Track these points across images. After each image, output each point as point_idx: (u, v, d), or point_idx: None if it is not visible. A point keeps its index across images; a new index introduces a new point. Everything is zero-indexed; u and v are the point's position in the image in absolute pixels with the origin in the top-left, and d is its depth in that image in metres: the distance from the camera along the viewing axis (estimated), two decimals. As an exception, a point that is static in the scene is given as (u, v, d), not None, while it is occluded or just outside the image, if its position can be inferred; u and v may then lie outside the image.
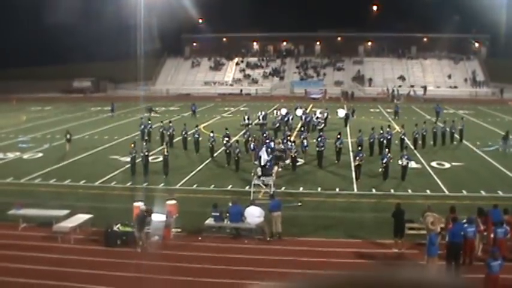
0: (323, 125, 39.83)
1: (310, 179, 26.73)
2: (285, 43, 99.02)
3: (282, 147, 29.22)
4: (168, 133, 35.10)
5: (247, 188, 23.98)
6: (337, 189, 24.61)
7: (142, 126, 37.42)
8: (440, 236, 15.75)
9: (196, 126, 34.80)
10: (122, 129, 43.62)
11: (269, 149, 24.55)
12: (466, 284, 1.33)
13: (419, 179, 26.60)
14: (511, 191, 23.66)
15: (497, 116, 52.90)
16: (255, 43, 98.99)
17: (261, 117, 42.78)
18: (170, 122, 38.19)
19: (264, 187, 22.96)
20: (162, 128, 36.15)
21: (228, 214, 18.63)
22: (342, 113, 45.89)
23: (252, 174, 23.87)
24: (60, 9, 64.23)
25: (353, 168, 27.38)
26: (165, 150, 27.98)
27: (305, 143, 30.77)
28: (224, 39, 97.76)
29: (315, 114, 43.02)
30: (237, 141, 30.80)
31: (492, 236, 16.48)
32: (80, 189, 24.94)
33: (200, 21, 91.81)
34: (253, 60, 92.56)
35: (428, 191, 24.15)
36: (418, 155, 31.88)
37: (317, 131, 37.20)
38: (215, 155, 31.53)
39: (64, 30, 68.79)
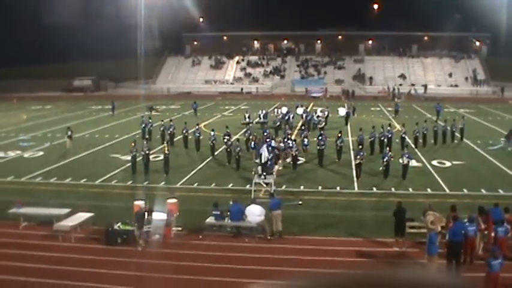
0: (324, 123, 39.81)
1: (310, 178, 26.73)
2: (285, 41, 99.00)
3: (282, 145, 29.21)
4: (169, 132, 35.11)
5: (247, 186, 23.98)
6: (338, 188, 24.61)
7: (143, 125, 37.43)
8: (440, 235, 15.74)
9: (197, 124, 34.78)
10: (122, 127, 43.63)
11: (270, 147, 24.53)
12: (466, 284, 1.32)
13: (420, 177, 26.59)
14: (512, 190, 23.66)
15: (498, 114, 52.86)
16: (255, 42, 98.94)
17: (261, 116, 42.76)
18: (171, 120, 38.20)
19: (264, 186, 22.96)
20: (162, 127, 36.14)
21: (228, 213, 18.64)
22: (342, 111, 45.86)
23: (253, 172, 23.87)
24: (60, 8, 64.22)
25: (354, 167, 27.36)
26: (166, 148, 27.97)
27: (306, 142, 30.78)
28: (225, 37, 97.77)
29: (315, 113, 43.04)
30: (238, 139, 30.77)
31: (493, 234, 16.47)
32: (80, 188, 24.94)
33: (201, 19, 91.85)
34: (253, 58, 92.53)
35: (429, 190, 24.14)
36: (419, 153, 31.87)
37: (318, 129, 37.18)
38: (216, 153, 31.53)
39: (64, 29, 68.88)
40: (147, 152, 27.70)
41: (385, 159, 26.15)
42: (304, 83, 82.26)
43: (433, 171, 27.75)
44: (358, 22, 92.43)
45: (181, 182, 25.89)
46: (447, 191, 24.03)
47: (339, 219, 20.29)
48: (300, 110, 44.84)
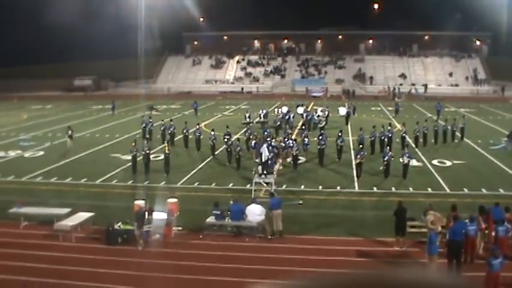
0: (324, 123, 39.83)
1: (311, 177, 26.73)
2: (286, 41, 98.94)
3: (283, 145, 29.21)
4: (169, 131, 35.12)
5: (248, 186, 23.98)
6: (338, 187, 24.61)
7: (144, 125, 37.44)
8: (440, 235, 15.72)
9: (198, 124, 34.78)
10: (123, 127, 43.63)
11: (270, 147, 24.53)
12: (466, 283, 1.32)
13: (421, 177, 26.58)
14: (513, 189, 23.64)
15: (499, 114, 52.85)
16: (256, 41, 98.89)
17: (262, 116, 42.76)
18: (171, 120, 38.19)
19: (265, 185, 22.96)
20: (163, 126, 36.15)
21: (229, 212, 18.64)
22: (343, 111, 45.85)
23: (253, 172, 23.88)
24: (60, 8, 64.20)
25: (354, 166, 27.34)
26: (166, 148, 27.97)
27: (306, 141, 30.78)
28: (225, 37, 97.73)
29: (316, 113, 43.03)
30: (238, 139, 30.76)
31: (493, 234, 16.46)
32: (81, 188, 24.95)
33: (201, 19, 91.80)
34: (254, 58, 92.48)
35: (429, 189, 24.14)
36: (419, 153, 31.86)
37: (318, 129, 37.22)
38: (216, 153, 31.52)
39: (65, 29, 68.78)
40: (147, 151, 27.70)
41: (385, 159, 26.15)
42: (305, 82, 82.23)
43: (433, 171, 27.74)
44: (359, 22, 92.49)
45: (181, 182, 25.89)
46: (448, 190, 24.03)
47: (340, 218, 20.29)
48: (300, 110, 44.83)
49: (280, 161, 28.28)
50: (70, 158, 31.45)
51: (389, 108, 55.08)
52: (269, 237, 18.07)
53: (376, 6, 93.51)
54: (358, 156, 26.48)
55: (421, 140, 34.17)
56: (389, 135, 32.31)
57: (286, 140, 29.82)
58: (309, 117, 41.49)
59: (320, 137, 29.77)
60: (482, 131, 40.62)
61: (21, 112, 55.92)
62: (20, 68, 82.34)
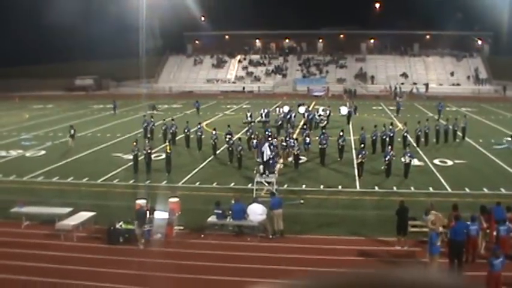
0: (325, 122, 39.81)
1: (312, 177, 26.73)
2: (287, 40, 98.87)
3: (284, 144, 29.23)
4: (171, 131, 35.13)
5: (249, 185, 23.97)
6: (340, 187, 24.61)
7: (145, 124, 37.44)
8: (442, 235, 15.69)
9: (199, 123, 34.79)
10: (124, 127, 43.65)
11: (272, 146, 24.53)
12: (467, 283, 1.32)
13: (422, 176, 26.57)
14: (514, 189, 23.62)
15: (500, 113, 52.80)
16: (257, 41, 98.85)
17: (263, 115, 42.75)
18: (173, 119, 38.18)
19: (266, 185, 22.96)
20: (164, 126, 36.17)
21: (230, 212, 18.65)
22: (344, 110, 45.83)
23: (255, 171, 23.88)
24: (62, 8, 64.21)
25: (355, 166, 27.33)
26: (168, 147, 27.99)
27: (307, 141, 30.77)
28: (226, 36, 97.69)
29: (317, 112, 43.01)
30: (240, 138, 30.75)
31: (495, 233, 16.45)
32: (82, 187, 24.98)
33: (202, 18, 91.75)
34: (255, 57, 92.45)
35: (431, 189, 24.13)
36: (421, 152, 31.84)
37: (319, 128, 37.23)
38: (217, 152, 31.53)
39: (66, 28, 68.87)
40: (149, 151, 27.70)
41: (387, 158, 26.13)
42: (306, 82, 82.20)
43: (435, 170, 27.73)
44: (360, 21, 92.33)
45: (183, 181, 25.90)
46: (449, 190, 24.02)
47: (341, 218, 20.29)
48: (301, 109, 44.83)
49: (282, 160, 28.30)
50: (71, 158, 31.47)
51: (391, 108, 55.01)
52: (270, 236, 18.08)
53: (377, 5, 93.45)
54: (360, 156, 26.46)
55: (422, 139, 34.17)
56: (391, 135, 32.29)
57: (287, 139, 29.83)
58: (310, 117, 41.49)
59: (321, 137, 29.78)
60: (484, 131, 40.59)
61: (23, 112, 55.96)
62: (22, 68, 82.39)
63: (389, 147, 27.71)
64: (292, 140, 29.23)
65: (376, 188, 24.44)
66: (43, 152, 33.58)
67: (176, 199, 19.62)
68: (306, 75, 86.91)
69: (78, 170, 28.01)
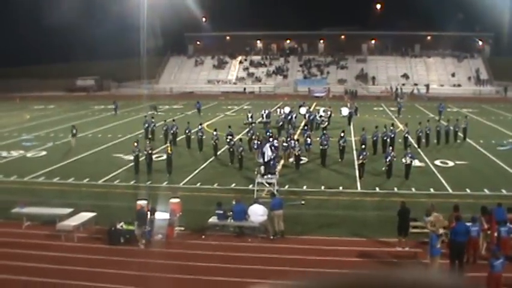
0: (326, 123, 39.78)
1: (313, 178, 26.72)
2: (288, 41, 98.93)
3: (285, 145, 29.23)
4: (172, 131, 35.14)
5: (250, 186, 23.96)
6: (341, 188, 24.59)
7: (146, 125, 37.46)
8: (442, 237, 15.65)
9: (200, 124, 34.80)
10: (125, 127, 43.67)
11: (273, 147, 24.54)
12: (467, 284, 1.32)
13: (423, 177, 26.55)
14: (515, 190, 23.60)
15: (501, 114, 52.79)
16: (258, 41, 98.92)
17: (264, 116, 42.75)
18: (174, 120, 38.18)
19: (267, 185, 22.95)
20: (165, 127, 36.18)
21: (231, 212, 18.65)
22: (345, 111, 45.81)
23: (256, 172, 23.87)
24: (63, 8, 64.33)
25: (356, 167, 27.35)
26: (169, 148, 27.98)
27: (308, 142, 30.75)
28: (227, 37, 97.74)
29: (318, 113, 42.99)
30: (241, 139, 30.74)
31: (496, 234, 16.44)
32: (83, 188, 24.98)
33: (203, 19, 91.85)
34: (256, 58, 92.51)
35: (431, 190, 24.11)
36: (422, 153, 31.83)
37: (320, 129, 37.20)
38: (218, 153, 31.53)
39: (67, 29, 69.01)
40: (150, 151, 27.70)
41: (387, 159, 26.11)
42: (307, 82, 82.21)
43: (435, 171, 27.72)
44: (361, 22, 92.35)
45: (184, 182, 25.90)
46: (450, 191, 24.00)
47: (342, 219, 20.28)
48: (302, 110, 44.82)
49: (282, 161, 28.29)
50: (72, 158, 31.49)
51: (392, 109, 54.98)
52: (271, 237, 18.08)
53: (378, 6, 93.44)
54: (361, 157, 26.45)
55: (423, 140, 34.16)
56: (392, 136, 32.27)
57: (288, 140, 29.84)
58: (311, 118, 41.50)
59: (322, 137, 29.79)
60: (485, 132, 40.56)
61: (24, 112, 56.00)
62: (23, 68, 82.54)
63: (390, 148, 27.70)
64: (293, 141, 29.24)
65: (377, 188, 24.43)
66: (44, 153, 33.60)
67: (177, 200, 19.63)
68: (307, 76, 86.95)
69: (79, 171, 28.02)
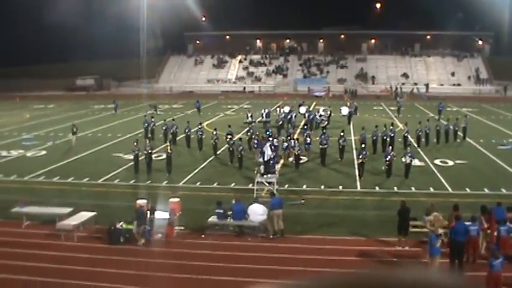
0: (326, 122, 39.79)
1: (313, 177, 26.72)
2: (288, 41, 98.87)
3: (285, 144, 29.24)
4: (171, 131, 35.13)
5: (250, 185, 23.96)
6: (341, 187, 24.60)
7: (146, 124, 37.47)
8: (442, 236, 15.64)
9: (200, 124, 34.80)
10: (125, 127, 43.67)
11: (273, 146, 24.52)
12: (466, 284, 1.32)
13: (423, 176, 26.55)
14: (515, 189, 23.60)
15: (501, 113, 52.78)
16: (258, 41, 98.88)
17: (264, 115, 42.75)
18: (173, 119, 38.19)
19: (267, 185, 22.96)
20: (165, 126, 36.18)
21: (231, 212, 18.65)
22: (345, 110, 45.82)
23: (255, 172, 23.88)
24: (63, 7, 64.28)
25: (356, 166, 27.35)
26: (168, 148, 27.99)
27: (308, 141, 30.75)
28: (227, 36, 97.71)
29: (318, 112, 43.00)
30: (240, 139, 30.75)
31: (496, 234, 16.44)
32: (83, 187, 24.99)
33: (203, 19, 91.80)
34: (256, 57, 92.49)
35: (431, 189, 24.12)
36: (422, 152, 31.84)
37: (320, 128, 37.21)
38: (218, 152, 31.53)
39: (67, 29, 68.94)
40: (149, 151, 27.71)
41: (387, 159, 26.11)
42: (307, 82, 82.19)
43: (435, 171, 27.72)
44: (361, 21, 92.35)
45: (183, 181, 25.90)
46: (450, 190, 24.01)
47: (342, 218, 20.29)
48: (302, 109, 44.83)
49: (282, 161, 28.28)
50: (72, 158, 31.49)
51: (392, 108, 54.96)
52: (271, 236, 18.09)
53: (378, 5, 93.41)
54: (360, 156, 26.45)
55: (423, 139, 34.16)
56: (392, 135, 32.27)
57: (288, 139, 29.84)
58: (311, 117, 41.50)
59: (322, 137, 29.79)
60: (484, 131, 40.57)
61: (24, 111, 56.00)
62: (23, 68, 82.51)
63: (390, 147, 27.71)
64: (292, 140, 29.24)
65: (377, 188, 24.44)
66: (44, 152, 33.60)
67: (177, 199, 19.65)
68: (307, 75, 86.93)
69: (78, 170, 28.03)
